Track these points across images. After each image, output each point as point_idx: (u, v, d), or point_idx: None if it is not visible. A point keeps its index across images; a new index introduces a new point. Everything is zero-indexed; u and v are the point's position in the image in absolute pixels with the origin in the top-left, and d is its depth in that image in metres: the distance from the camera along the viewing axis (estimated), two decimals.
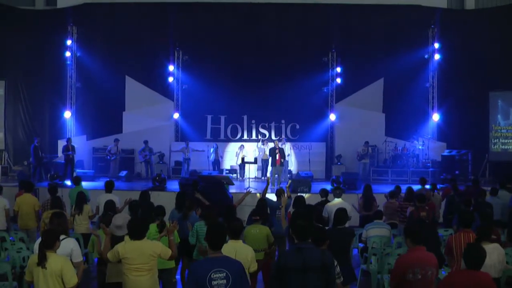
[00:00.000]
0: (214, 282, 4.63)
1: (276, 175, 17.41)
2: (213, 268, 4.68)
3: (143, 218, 6.49)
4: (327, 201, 10.72)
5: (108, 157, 19.94)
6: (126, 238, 6.14)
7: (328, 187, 15.61)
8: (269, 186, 11.49)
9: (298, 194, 11.33)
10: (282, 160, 17.57)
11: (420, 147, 19.77)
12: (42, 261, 5.47)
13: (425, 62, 20.95)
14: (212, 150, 20.04)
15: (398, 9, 20.36)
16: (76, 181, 12.42)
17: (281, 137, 20.76)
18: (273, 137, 21.26)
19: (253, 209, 8.90)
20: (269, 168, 18.50)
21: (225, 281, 4.66)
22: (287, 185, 10.88)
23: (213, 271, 4.66)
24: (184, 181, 15.31)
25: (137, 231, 6.02)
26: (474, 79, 19.86)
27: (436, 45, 20.69)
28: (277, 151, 17.42)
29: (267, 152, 19.74)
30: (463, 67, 20.10)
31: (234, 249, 5.86)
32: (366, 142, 19.68)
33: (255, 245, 7.52)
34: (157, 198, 12.56)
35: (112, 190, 10.76)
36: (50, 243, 5.60)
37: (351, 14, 20.59)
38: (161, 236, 6.76)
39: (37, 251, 6.35)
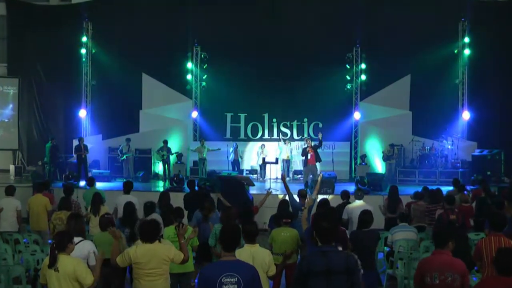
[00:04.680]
0: (225, 287, 4.64)
1: (311, 176, 17.17)
2: (225, 272, 4.69)
3: (154, 220, 6.48)
4: (348, 203, 10.72)
5: (119, 157, 20.13)
6: (138, 241, 6.15)
7: (352, 188, 15.60)
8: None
9: (322, 196, 11.34)
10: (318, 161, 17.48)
11: (449, 146, 19.62)
12: (53, 263, 5.51)
13: (455, 57, 20.71)
14: (231, 149, 20.12)
15: (426, 1, 20.19)
16: (91, 182, 12.54)
17: (303, 136, 20.75)
18: (295, 136, 21.26)
19: (277, 211, 8.94)
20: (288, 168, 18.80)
21: (236, 286, 4.66)
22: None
23: (224, 275, 4.67)
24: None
25: (148, 234, 6.00)
26: (506, 75, 19.65)
27: (467, 39, 20.42)
28: (308, 149, 17.34)
29: (289, 152, 19.79)
30: (495, 62, 19.88)
31: (250, 253, 5.86)
32: (392, 144, 19.57)
33: (284, 248, 7.56)
34: (175, 199, 12.65)
35: (130, 191, 10.85)
36: (62, 245, 5.64)
37: (377, 8, 20.44)
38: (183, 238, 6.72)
39: None
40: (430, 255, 5.87)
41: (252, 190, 15.29)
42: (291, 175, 20.10)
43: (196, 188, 13.05)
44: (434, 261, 5.65)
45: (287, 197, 10.16)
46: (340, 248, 5.83)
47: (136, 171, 19.99)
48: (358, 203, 10.25)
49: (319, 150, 17.56)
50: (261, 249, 6.10)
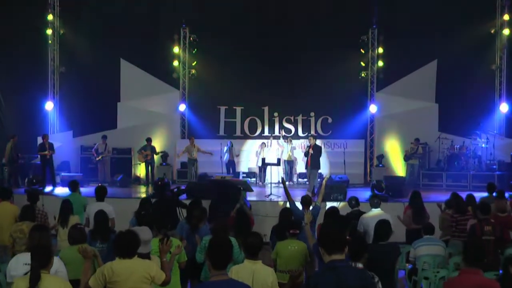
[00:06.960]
0: None
1: (319, 179, 17.04)
2: None
3: (130, 230, 6.40)
4: (359, 211, 10.68)
5: (95, 158, 20.07)
6: (117, 258, 6.09)
7: (367, 194, 15.56)
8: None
9: (331, 204, 11.31)
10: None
11: (483, 145, 19.59)
12: (35, 283, 5.39)
13: (491, 38, 20.74)
14: (226, 149, 20.08)
15: None
16: (73, 186, 12.21)
17: (309, 133, 20.73)
18: (300, 133, 21.24)
19: (279, 221, 8.91)
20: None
21: None
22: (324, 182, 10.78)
23: None
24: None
25: (124, 247, 5.92)
26: None
27: (506, 17, 20.38)
28: (309, 149, 17.13)
29: (290, 152, 19.73)
30: None
31: (251, 271, 5.83)
32: (417, 139, 19.50)
33: (291, 265, 7.53)
34: None
35: (104, 198, 10.78)
36: (44, 261, 5.56)
37: None
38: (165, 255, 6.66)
39: (14, 274, 6.38)
40: (459, 275, 5.61)
41: (251, 197, 15.24)
42: (294, 178, 20.10)
43: (168, 193, 13.03)
44: (466, 283, 5.40)
45: (287, 205, 10.15)
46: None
47: (114, 174, 19.96)
48: (374, 212, 10.17)
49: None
50: (264, 267, 6.06)
